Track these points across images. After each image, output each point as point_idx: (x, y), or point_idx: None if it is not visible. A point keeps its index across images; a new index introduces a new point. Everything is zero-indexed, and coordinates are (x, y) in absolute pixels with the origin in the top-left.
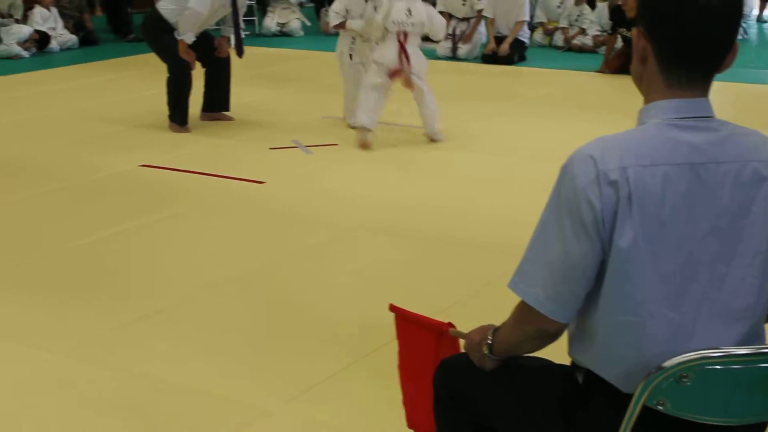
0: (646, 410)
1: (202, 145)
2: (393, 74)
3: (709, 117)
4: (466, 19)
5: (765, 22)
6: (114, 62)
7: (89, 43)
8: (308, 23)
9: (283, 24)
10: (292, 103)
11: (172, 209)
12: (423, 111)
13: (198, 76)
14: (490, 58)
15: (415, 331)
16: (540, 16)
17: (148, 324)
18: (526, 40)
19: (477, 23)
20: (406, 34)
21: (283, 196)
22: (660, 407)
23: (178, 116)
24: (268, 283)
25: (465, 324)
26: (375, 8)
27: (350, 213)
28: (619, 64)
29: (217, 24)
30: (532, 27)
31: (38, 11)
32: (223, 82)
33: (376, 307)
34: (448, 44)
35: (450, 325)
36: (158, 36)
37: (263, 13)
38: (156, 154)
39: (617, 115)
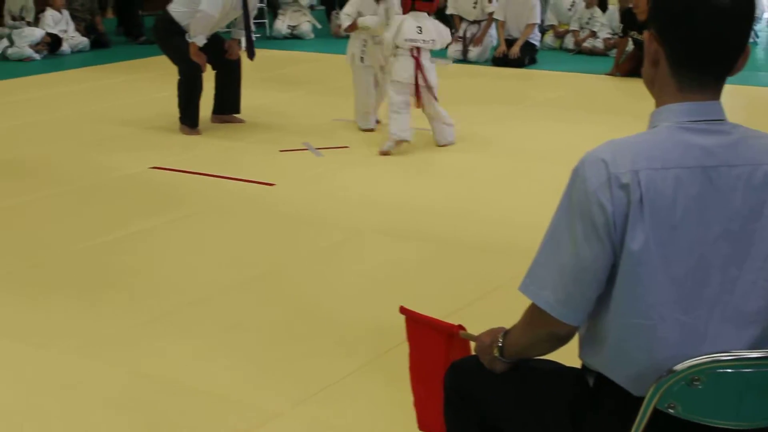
0: (656, 413)
1: (212, 147)
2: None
3: (721, 120)
4: (476, 22)
5: None
6: (125, 65)
7: (100, 46)
8: (319, 26)
9: (294, 27)
10: (302, 106)
11: (182, 211)
12: (439, 125)
13: (208, 78)
14: (500, 60)
15: (425, 334)
16: (551, 19)
17: (157, 325)
18: (537, 43)
19: (488, 26)
20: (419, 50)
21: (293, 199)
22: (671, 410)
23: (188, 118)
24: (277, 285)
25: (475, 326)
26: (386, 11)
27: (361, 215)
28: (630, 67)
29: (228, 27)
30: (543, 30)
31: (50, 14)
32: (233, 84)
33: (387, 310)
34: (459, 47)
35: (460, 327)
36: (169, 38)
37: (274, 15)
38: (166, 156)
39: (628, 118)
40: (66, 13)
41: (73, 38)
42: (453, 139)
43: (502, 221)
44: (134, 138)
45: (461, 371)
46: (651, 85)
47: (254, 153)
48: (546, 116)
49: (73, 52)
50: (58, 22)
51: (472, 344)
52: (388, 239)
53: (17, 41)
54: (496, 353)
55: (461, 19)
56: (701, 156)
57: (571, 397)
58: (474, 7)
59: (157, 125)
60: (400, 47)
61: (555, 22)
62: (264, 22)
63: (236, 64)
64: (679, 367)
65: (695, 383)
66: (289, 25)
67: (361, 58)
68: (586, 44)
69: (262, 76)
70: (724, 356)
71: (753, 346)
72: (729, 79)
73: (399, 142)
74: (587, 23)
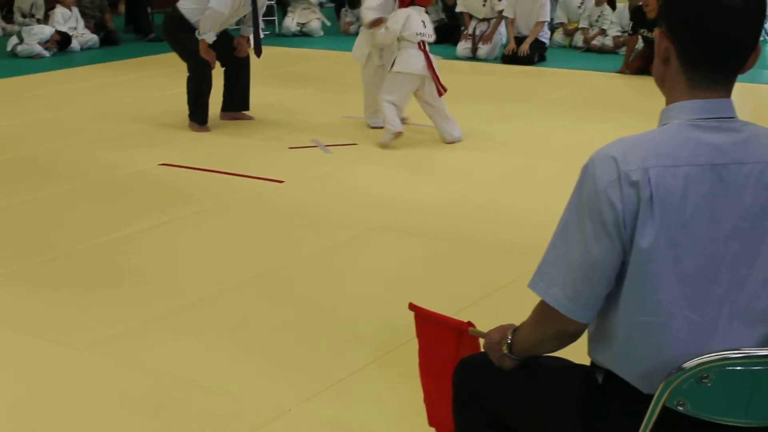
0: (665, 411)
1: (221, 144)
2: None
3: (732, 118)
4: (486, 20)
5: None
6: (134, 62)
7: (110, 43)
8: (328, 23)
9: (303, 24)
10: (311, 103)
11: (192, 208)
12: (439, 118)
13: (218, 75)
14: (509, 58)
15: (434, 330)
16: (560, 17)
17: (167, 322)
18: (546, 41)
19: (497, 24)
20: (424, 43)
21: (302, 196)
22: (680, 408)
23: (198, 115)
24: (286, 282)
25: (484, 323)
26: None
27: (369, 213)
28: (639, 65)
29: (237, 24)
30: (553, 27)
31: (59, 11)
32: (242, 81)
33: (395, 307)
34: (468, 44)
35: (469, 324)
36: (179, 35)
37: (283, 13)
38: (175, 153)
39: (637, 116)
40: (76, 10)
41: (82, 35)
42: (460, 134)
43: (511, 219)
44: (143, 135)
45: (470, 368)
46: (661, 83)
47: (263, 150)
48: (555, 114)
49: (82, 50)
50: (67, 19)
51: (481, 341)
52: (397, 236)
53: (27, 39)
54: (505, 350)
55: (471, 16)
56: (712, 153)
57: (580, 395)
58: (484, 5)
59: (167, 122)
60: (409, 40)
61: (564, 20)
62: (273, 20)
63: (245, 62)
64: (688, 364)
65: (704, 381)
66: (298, 23)
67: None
68: (596, 42)
69: (272, 73)
70: (734, 354)
71: (762, 344)
72: (738, 77)
73: (397, 134)
74: (597, 21)
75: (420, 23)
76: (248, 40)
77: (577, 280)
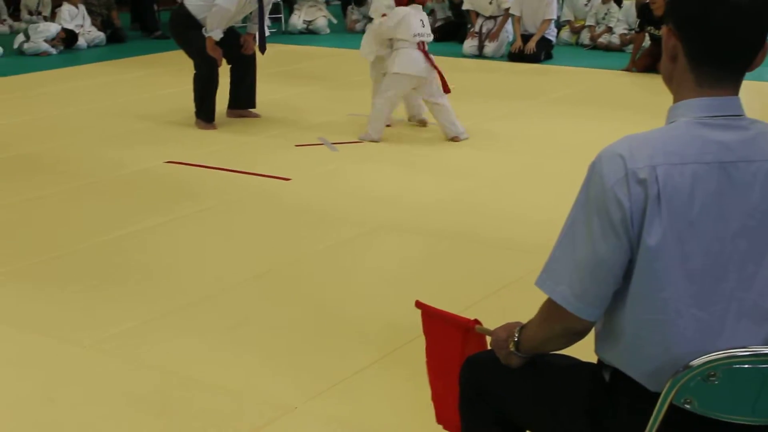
0: (672, 409)
1: (227, 141)
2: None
3: (740, 115)
4: (492, 18)
5: None
6: (140, 59)
7: (117, 41)
8: (335, 21)
9: (310, 22)
10: (318, 101)
11: (198, 205)
12: (443, 115)
13: (224, 73)
14: (516, 56)
15: (441, 328)
16: (567, 14)
17: (172, 320)
18: (553, 39)
19: (504, 21)
20: (423, 43)
21: (308, 193)
22: (687, 406)
23: (204, 113)
24: (292, 280)
25: (490, 321)
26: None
27: (375, 211)
28: (646, 63)
29: (244, 21)
30: (559, 25)
31: (66, 8)
32: (248, 79)
33: (401, 305)
34: (475, 42)
35: (476, 321)
36: (185, 32)
37: (290, 10)
38: (182, 151)
39: (644, 114)
40: (82, 7)
41: (89, 33)
42: (464, 131)
43: (516, 217)
44: (149, 132)
45: (477, 366)
46: (669, 81)
47: (269, 148)
48: (561, 112)
49: (89, 47)
50: (74, 16)
51: (488, 339)
52: (402, 234)
53: (33, 36)
54: (511, 348)
55: (477, 14)
56: (719, 151)
57: (587, 393)
58: (490, 3)
59: (173, 120)
60: (406, 41)
61: (571, 18)
62: (280, 17)
63: (251, 59)
64: (695, 362)
65: (711, 379)
66: (304, 20)
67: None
68: (602, 40)
69: (278, 70)
70: (741, 352)
71: None
72: (746, 74)
73: (374, 141)
74: (603, 18)
75: (418, 23)
76: (254, 37)
77: (584, 278)
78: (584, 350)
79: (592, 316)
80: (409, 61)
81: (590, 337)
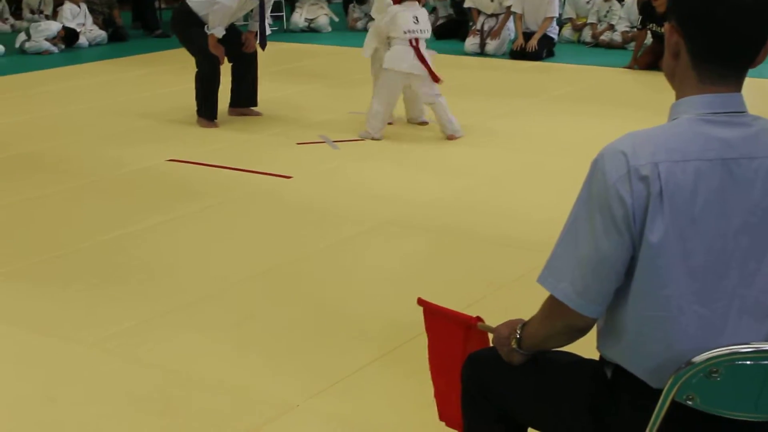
0: (675, 405)
1: (229, 139)
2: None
3: (742, 112)
4: (494, 15)
5: None
6: (142, 58)
7: (118, 39)
8: (336, 19)
9: (311, 20)
10: (319, 99)
11: (199, 204)
12: (440, 112)
13: (225, 71)
14: (518, 54)
15: (443, 325)
16: (569, 12)
17: (174, 318)
18: (555, 36)
19: (505, 19)
20: (417, 40)
21: (309, 191)
22: (689, 402)
23: (206, 111)
24: (294, 278)
25: (492, 319)
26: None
27: (376, 208)
28: (648, 61)
29: (245, 19)
30: (561, 23)
31: (68, 7)
32: (250, 77)
33: (402, 302)
34: (476, 40)
35: (478, 319)
36: (187, 30)
37: (291, 8)
38: (183, 149)
39: (646, 111)
40: (84, 6)
41: (91, 31)
42: (459, 128)
43: (518, 215)
44: (151, 131)
45: (478, 363)
46: (671, 77)
47: (271, 146)
48: (563, 110)
49: (90, 46)
50: (76, 15)
51: (490, 336)
52: (404, 232)
53: (34, 35)
54: (513, 345)
55: (479, 12)
56: (721, 148)
57: (589, 390)
58: (492, 1)
59: (174, 118)
60: (398, 38)
61: (573, 15)
62: (281, 15)
63: (253, 57)
64: (697, 359)
65: (713, 375)
66: (306, 18)
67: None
68: (604, 37)
69: (279, 69)
70: (743, 348)
71: None
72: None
73: (374, 139)
74: (605, 16)
75: (410, 20)
76: (256, 34)
77: (586, 275)
78: (586, 347)
79: (594, 313)
80: (397, 57)
81: (592, 333)
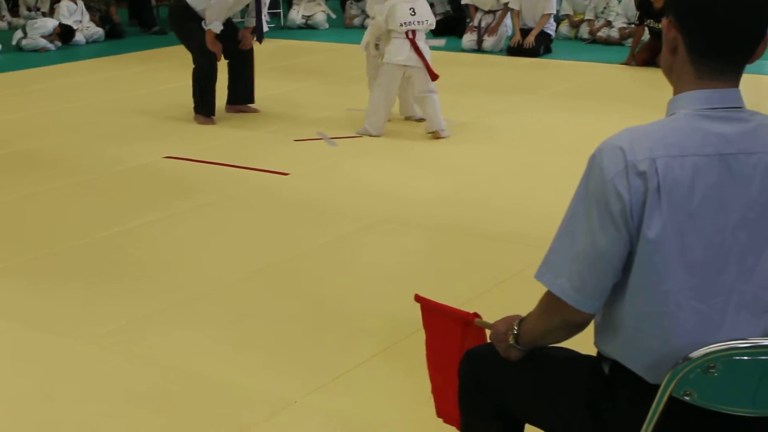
0: (672, 401)
1: (226, 137)
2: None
3: (740, 107)
4: (491, 12)
5: None
6: (139, 55)
7: (115, 36)
8: (333, 16)
9: (309, 17)
10: (316, 96)
11: (197, 201)
12: (429, 108)
13: (221, 69)
14: (515, 50)
15: (441, 322)
16: (566, 9)
17: (171, 315)
18: (552, 33)
19: (503, 16)
20: (414, 32)
21: (307, 188)
22: (686, 398)
23: (204, 108)
24: (291, 274)
25: (490, 315)
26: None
27: (374, 205)
28: (645, 57)
29: (242, 16)
30: (558, 19)
31: (65, 4)
32: (246, 74)
33: (400, 299)
34: (474, 37)
35: (476, 315)
36: (185, 25)
37: (289, 5)
38: (180, 146)
39: (643, 108)
40: (81, 3)
41: (88, 29)
42: (445, 126)
43: (516, 211)
44: (148, 128)
45: (476, 359)
46: (669, 73)
47: (268, 143)
48: (560, 106)
49: (87, 43)
50: (73, 12)
51: (488, 332)
52: (402, 229)
53: (30, 32)
54: (511, 341)
55: (476, 8)
56: (719, 143)
57: (587, 385)
58: None
59: (171, 115)
60: (395, 31)
61: (570, 12)
62: (278, 12)
63: (249, 54)
64: (695, 354)
65: (711, 370)
66: (303, 15)
67: (376, 45)
68: (601, 34)
69: (277, 65)
70: (741, 343)
71: None
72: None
73: (368, 135)
74: (602, 12)
75: (407, 12)
76: (252, 30)
77: (583, 270)
78: (584, 343)
79: (591, 308)
80: (395, 50)
81: (590, 329)
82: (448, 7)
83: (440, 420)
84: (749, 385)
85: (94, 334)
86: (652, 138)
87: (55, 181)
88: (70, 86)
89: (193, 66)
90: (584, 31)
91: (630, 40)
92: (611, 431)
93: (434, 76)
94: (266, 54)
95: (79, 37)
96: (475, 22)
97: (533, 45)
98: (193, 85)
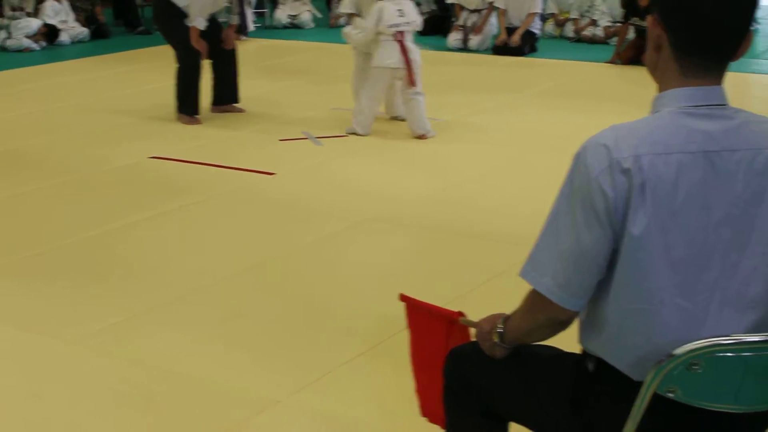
0: (656, 398)
1: (211, 136)
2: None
3: (724, 105)
4: (477, 11)
5: None
6: (124, 55)
7: (100, 36)
8: (319, 15)
9: (294, 16)
10: (302, 95)
11: (182, 200)
12: (413, 109)
13: (205, 69)
14: (501, 49)
15: (426, 320)
16: (551, 7)
17: (157, 314)
18: (538, 32)
19: (488, 14)
20: (402, 33)
21: (293, 188)
22: (670, 394)
23: (188, 107)
24: (277, 274)
25: (476, 313)
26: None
27: (361, 204)
28: (630, 56)
29: (229, 13)
30: (544, 18)
31: (49, 4)
32: (231, 74)
33: (386, 298)
34: (459, 36)
35: (460, 314)
36: (169, 22)
37: (274, 5)
38: (166, 146)
39: (629, 106)
40: (66, 3)
41: (73, 28)
42: (430, 127)
43: (502, 210)
44: (133, 128)
45: (461, 358)
46: (654, 70)
47: (254, 142)
48: (546, 105)
49: (72, 43)
50: (57, 12)
51: (472, 331)
52: (388, 228)
53: (14, 32)
54: (496, 339)
55: (462, 7)
56: (703, 141)
57: (571, 383)
58: None
59: (157, 115)
60: (384, 33)
61: (556, 11)
62: (264, 12)
63: (232, 54)
64: (678, 351)
65: (694, 367)
66: (289, 15)
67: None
68: (586, 32)
69: (262, 65)
70: (724, 340)
71: (753, 331)
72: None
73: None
74: (587, 11)
75: (395, 13)
76: (235, 29)
77: (568, 268)
78: (568, 340)
79: (576, 306)
80: (385, 54)
81: (574, 327)
82: (433, 6)
83: (424, 419)
84: (732, 381)
85: (81, 333)
86: (636, 135)
87: (41, 182)
88: (55, 86)
89: (176, 65)
90: (569, 29)
91: (615, 39)
92: (596, 428)
93: (412, 82)
94: (252, 53)
95: (63, 37)
96: (461, 21)
97: (519, 44)
98: (177, 85)
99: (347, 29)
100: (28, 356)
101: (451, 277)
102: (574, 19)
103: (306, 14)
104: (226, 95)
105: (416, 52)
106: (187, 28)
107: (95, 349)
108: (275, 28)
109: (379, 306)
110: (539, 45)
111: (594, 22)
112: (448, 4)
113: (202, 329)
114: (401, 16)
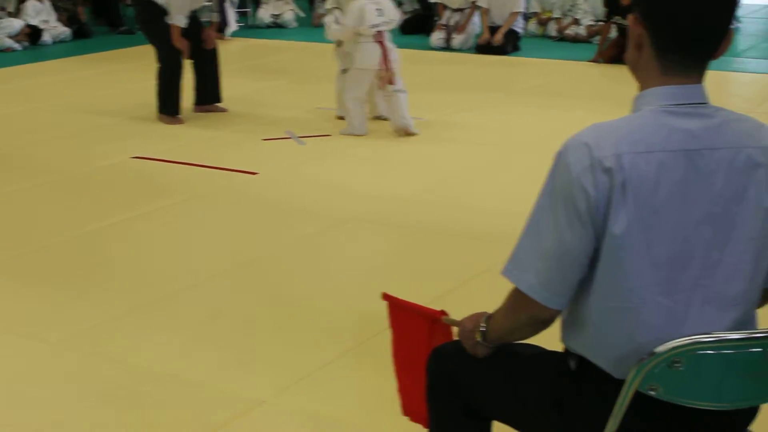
0: (638, 396)
1: (194, 136)
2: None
3: (704, 103)
4: (460, 10)
5: None
6: (106, 55)
7: (82, 36)
8: (302, 14)
9: (277, 15)
10: (285, 95)
11: (165, 200)
12: (395, 106)
13: (187, 69)
14: (484, 48)
15: (408, 319)
16: (534, 6)
17: (141, 315)
18: (521, 30)
19: (471, 13)
20: (381, 33)
21: (276, 187)
22: (652, 392)
23: (169, 107)
24: (261, 273)
25: (458, 312)
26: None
27: (343, 204)
28: (613, 54)
29: (209, 11)
30: (527, 17)
31: (31, 4)
32: (212, 74)
33: (369, 297)
34: (442, 35)
35: (443, 312)
36: (151, 21)
37: (257, 4)
38: (148, 146)
39: (611, 104)
40: (47, 3)
41: (54, 28)
42: (412, 122)
43: (484, 209)
44: (116, 128)
45: (443, 356)
46: (635, 69)
47: (236, 142)
48: (529, 103)
49: (54, 43)
50: (39, 12)
51: (455, 330)
52: (371, 227)
53: None
54: (478, 338)
55: (445, 6)
56: (684, 139)
57: (554, 381)
58: None
59: (139, 115)
60: (365, 34)
61: (538, 10)
62: (247, 11)
63: (213, 54)
64: (660, 349)
65: (676, 365)
66: (272, 14)
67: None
68: (569, 31)
69: (245, 65)
70: (705, 338)
71: (734, 328)
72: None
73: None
74: (570, 10)
75: (374, 12)
76: (216, 28)
77: (550, 266)
78: (550, 339)
79: (558, 304)
80: (367, 55)
81: (556, 325)
82: (416, 5)
83: (407, 418)
84: (714, 379)
85: (63, 334)
86: (617, 134)
87: (23, 182)
88: (38, 86)
89: (158, 65)
90: (552, 28)
91: (598, 38)
92: (578, 426)
93: (385, 83)
94: (234, 53)
95: (46, 37)
96: (444, 20)
97: (502, 43)
98: (158, 84)
99: (328, 19)
100: (9, 357)
101: (434, 276)
102: (556, 18)
103: (289, 13)
104: (209, 95)
105: (395, 51)
106: (169, 28)
107: (77, 350)
108: (258, 27)
109: (362, 305)
110: (522, 44)
111: (576, 21)
112: (430, 3)
113: (185, 329)
114: (380, 15)
